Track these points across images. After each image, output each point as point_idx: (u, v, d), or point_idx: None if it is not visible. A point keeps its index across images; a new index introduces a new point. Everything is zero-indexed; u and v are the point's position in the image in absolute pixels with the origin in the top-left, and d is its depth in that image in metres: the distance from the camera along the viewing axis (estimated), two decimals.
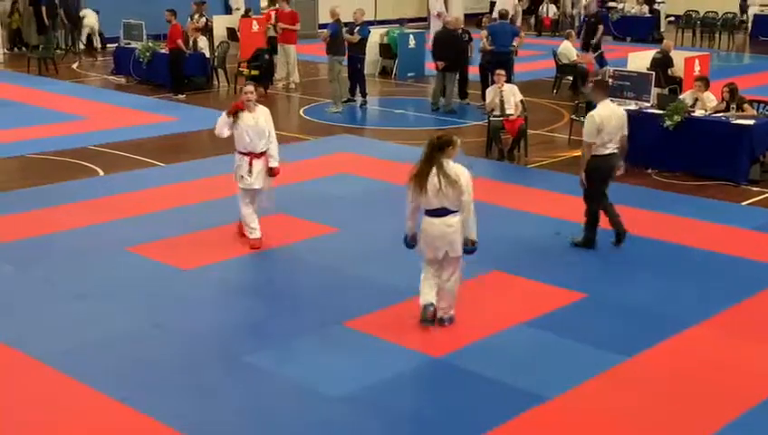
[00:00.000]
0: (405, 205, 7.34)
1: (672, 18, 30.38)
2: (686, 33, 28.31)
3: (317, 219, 10.25)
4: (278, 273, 8.98)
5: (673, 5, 29.77)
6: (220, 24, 22.39)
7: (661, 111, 12.53)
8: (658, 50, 16.60)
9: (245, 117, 9.13)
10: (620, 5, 29.42)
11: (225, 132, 9.21)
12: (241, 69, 18.59)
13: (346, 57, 16.81)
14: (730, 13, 28.61)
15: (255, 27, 20.25)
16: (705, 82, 13.03)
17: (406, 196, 7.28)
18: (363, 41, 17.05)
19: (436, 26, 22.55)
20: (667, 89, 15.03)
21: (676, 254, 9.38)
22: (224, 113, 9.24)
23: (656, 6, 28.93)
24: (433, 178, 7.04)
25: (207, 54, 19.08)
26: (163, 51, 18.78)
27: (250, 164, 9.16)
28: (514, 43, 16.66)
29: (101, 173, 12.35)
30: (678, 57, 16.16)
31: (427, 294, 7.38)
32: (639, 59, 16.08)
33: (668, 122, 12.30)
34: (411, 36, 20.81)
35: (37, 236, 9.69)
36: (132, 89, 19.03)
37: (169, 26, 18.07)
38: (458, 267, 7.40)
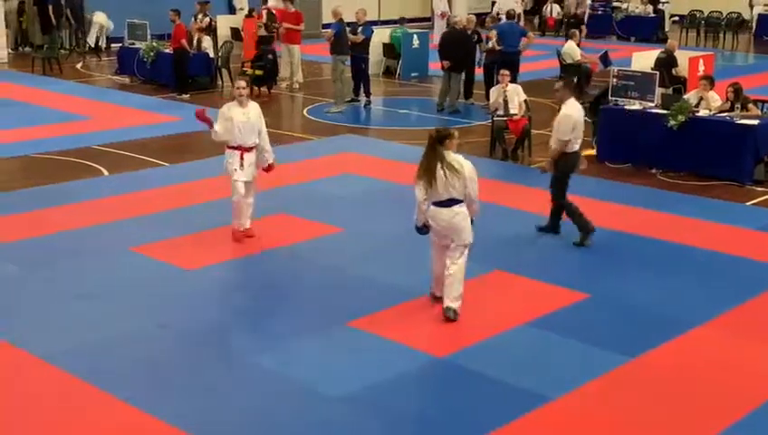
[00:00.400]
0: (410, 204, 7.39)
1: (676, 18, 30.31)
2: (691, 32, 28.29)
3: (320, 219, 10.25)
4: (281, 273, 8.98)
5: (677, 5, 29.70)
6: (224, 23, 22.36)
7: (665, 111, 12.51)
8: (663, 50, 16.59)
9: (237, 112, 9.25)
10: (624, 5, 29.35)
11: (224, 136, 9.31)
12: (245, 69, 18.59)
13: (349, 57, 16.83)
14: (734, 12, 28.56)
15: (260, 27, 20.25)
16: (710, 80, 13.00)
17: (414, 192, 7.45)
18: (367, 41, 17.06)
19: (440, 26, 22.55)
20: (671, 89, 15.02)
21: (680, 254, 9.36)
22: (213, 129, 9.33)
23: (660, 6, 28.88)
24: (439, 172, 7.30)
25: (211, 54, 19.06)
26: (167, 51, 18.79)
27: (241, 158, 9.27)
28: (522, 44, 16.67)
29: (106, 173, 12.36)
30: (683, 57, 16.16)
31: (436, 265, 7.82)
32: (644, 59, 16.07)
33: (672, 122, 12.28)
34: (415, 36, 20.78)
35: (41, 236, 9.69)
36: (136, 89, 19.04)
37: (173, 26, 18.11)
38: (464, 254, 7.55)
